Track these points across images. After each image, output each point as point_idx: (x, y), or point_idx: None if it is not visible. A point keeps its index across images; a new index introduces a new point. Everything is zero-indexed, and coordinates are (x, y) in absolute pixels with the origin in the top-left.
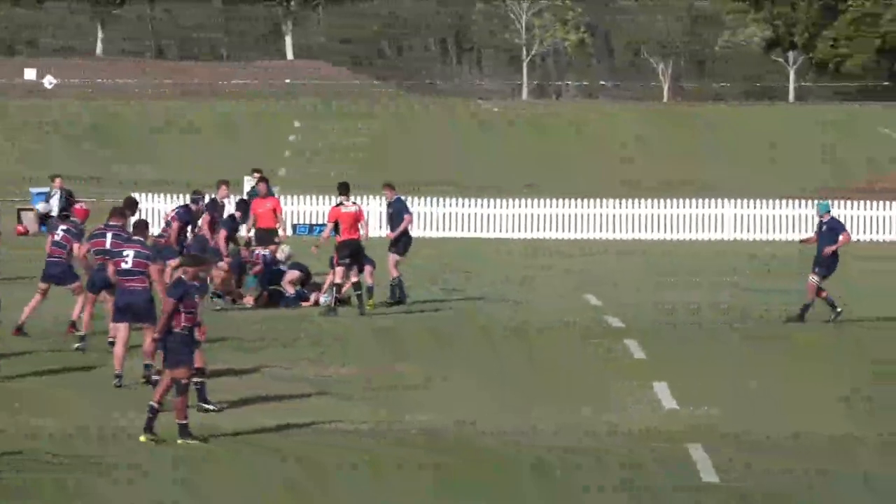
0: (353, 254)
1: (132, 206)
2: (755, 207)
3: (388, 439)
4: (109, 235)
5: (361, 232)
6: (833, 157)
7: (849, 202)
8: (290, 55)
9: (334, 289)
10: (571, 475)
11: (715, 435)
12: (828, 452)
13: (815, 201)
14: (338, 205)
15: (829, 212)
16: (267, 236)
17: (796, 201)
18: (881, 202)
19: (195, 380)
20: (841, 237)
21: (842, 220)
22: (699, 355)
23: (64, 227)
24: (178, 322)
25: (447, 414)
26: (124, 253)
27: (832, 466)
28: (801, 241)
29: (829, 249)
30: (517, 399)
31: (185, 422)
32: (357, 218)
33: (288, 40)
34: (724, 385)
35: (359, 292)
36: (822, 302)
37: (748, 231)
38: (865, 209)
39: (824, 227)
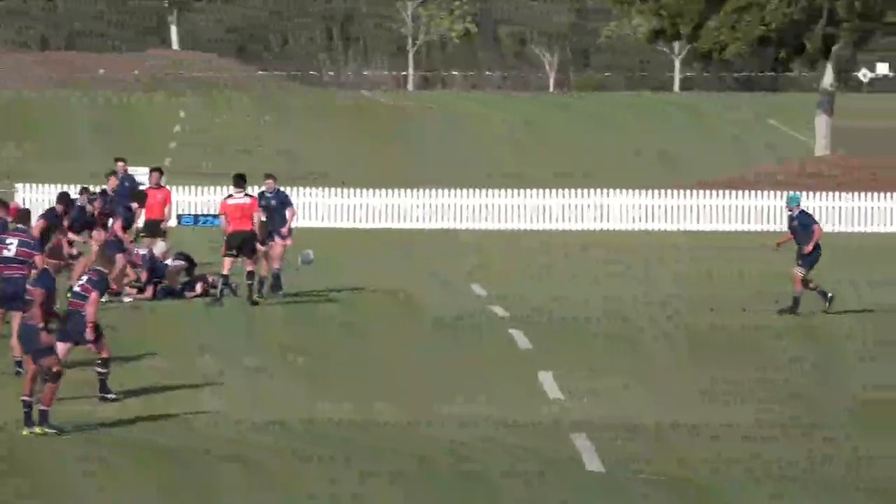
0: (241, 245)
1: (65, 200)
2: (642, 197)
3: (268, 431)
4: None
5: (255, 221)
6: (718, 147)
7: (745, 193)
8: (175, 46)
9: (221, 280)
10: (456, 466)
11: (600, 424)
12: (711, 440)
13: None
14: (227, 197)
15: (798, 204)
16: (155, 227)
17: (684, 191)
18: (767, 192)
19: (98, 370)
20: (814, 232)
21: (737, 210)
22: (585, 345)
23: None
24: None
25: (335, 405)
26: (7, 241)
27: (715, 454)
28: (778, 244)
29: (808, 248)
30: (400, 390)
31: (47, 409)
32: (247, 209)
33: (174, 31)
34: (610, 375)
35: (250, 282)
36: (808, 293)
37: (634, 221)
38: (739, 199)
39: (795, 223)
